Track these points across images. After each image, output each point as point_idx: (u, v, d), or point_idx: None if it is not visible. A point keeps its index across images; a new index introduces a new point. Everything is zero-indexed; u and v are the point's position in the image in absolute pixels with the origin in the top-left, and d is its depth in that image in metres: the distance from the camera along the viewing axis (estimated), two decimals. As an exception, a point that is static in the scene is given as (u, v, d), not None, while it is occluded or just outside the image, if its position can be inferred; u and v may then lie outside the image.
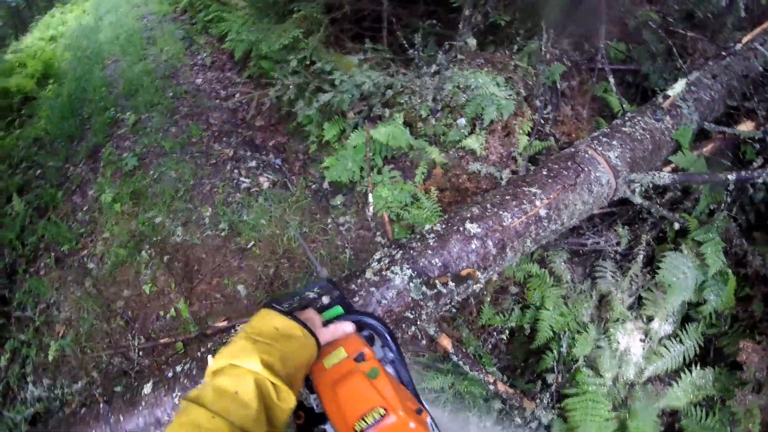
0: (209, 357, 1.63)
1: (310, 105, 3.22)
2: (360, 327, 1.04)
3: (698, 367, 2.20)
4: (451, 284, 1.47)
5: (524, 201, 1.75)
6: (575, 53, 3.33)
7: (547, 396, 2.33)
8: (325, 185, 3.39)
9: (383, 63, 3.31)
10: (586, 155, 1.98)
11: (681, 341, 2.27)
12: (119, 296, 3.13)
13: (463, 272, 1.49)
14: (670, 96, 2.31)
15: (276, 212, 3.28)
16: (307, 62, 3.40)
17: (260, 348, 0.83)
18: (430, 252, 1.58)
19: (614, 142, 2.11)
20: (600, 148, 2.05)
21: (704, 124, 2.62)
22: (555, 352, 2.33)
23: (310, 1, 3.47)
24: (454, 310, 2.63)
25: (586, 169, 1.93)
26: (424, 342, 2.54)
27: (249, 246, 3.14)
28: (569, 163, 1.94)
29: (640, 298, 2.41)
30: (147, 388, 1.78)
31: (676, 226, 2.39)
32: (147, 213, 3.47)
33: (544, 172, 1.89)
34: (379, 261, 1.61)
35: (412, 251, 1.59)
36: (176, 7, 5.66)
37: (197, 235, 3.27)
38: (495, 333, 2.53)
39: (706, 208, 2.49)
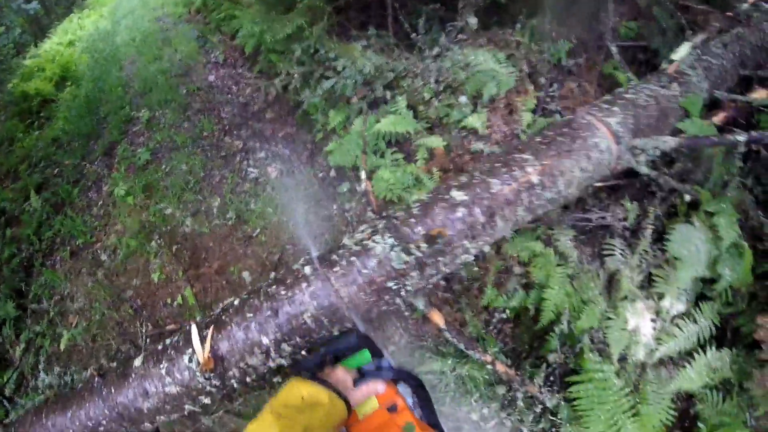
0: (192, 326, 1.64)
1: (314, 92, 3.23)
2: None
3: (714, 348, 2.05)
4: (423, 245, 1.42)
5: (515, 168, 1.69)
6: (583, 31, 3.22)
7: (550, 378, 2.24)
8: (332, 173, 3.38)
9: (387, 49, 3.29)
10: (584, 121, 1.90)
11: (695, 320, 2.11)
12: (129, 285, 3.20)
13: (433, 231, 1.44)
14: (674, 61, 2.20)
15: (282, 200, 3.30)
16: (312, 51, 3.41)
17: (282, 424, 0.85)
18: (413, 221, 1.54)
19: (615, 108, 2.02)
20: (600, 114, 1.97)
21: (715, 92, 2.49)
22: (558, 330, 2.23)
23: (314, -9, 3.48)
24: (454, 292, 2.58)
25: (583, 134, 1.85)
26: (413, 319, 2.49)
27: (255, 233, 3.17)
28: (565, 129, 1.86)
29: (650, 276, 2.30)
30: (137, 361, 1.80)
31: (687, 198, 2.25)
32: (158, 204, 3.55)
33: (538, 139, 1.82)
34: (362, 231, 1.58)
35: (395, 220, 1.56)
36: (191, 8, 5.78)
37: (206, 224, 3.32)
38: (497, 315, 2.45)
39: (719, 179, 2.33)
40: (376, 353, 1.07)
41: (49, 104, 5.25)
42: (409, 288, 1.54)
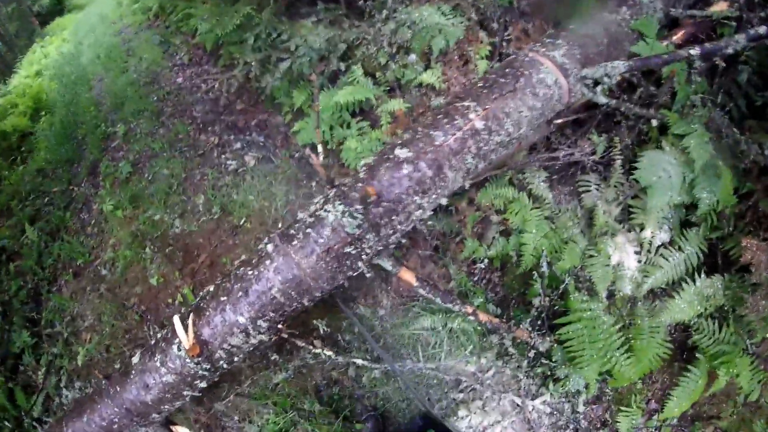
0: (175, 318, 1.71)
1: (274, 76, 3.23)
2: None
3: (704, 276, 2.04)
4: (358, 206, 1.45)
5: (456, 117, 1.70)
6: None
7: (538, 322, 2.27)
8: (307, 152, 3.41)
9: (338, 20, 3.25)
10: (526, 59, 1.90)
11: (680, 248, 2.10)
12: (132, 294, 3.31)
13: (360, 193, 1.47)
14: (616, -17, 2.16)
15: (263, 186, 3.35)
16: (265, 36, 3.39)
17: None
18: (360, 185, 1.57)
19: (559, 41, 2.01)
20: (543, 50, 1.96)
21: (671, 10, 2.43)
22: (538, 273, 2.25)
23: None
24: (436, 248, 2.63)
25: (526, 72, 1.85)
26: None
27: (241, 223, 3.24)
28: (507, 70, 1.86)
29: (629, 207, 2.28)
30: (135, 358, 1.89)
31: (655, 123, 2.18)
32: (146, 213, 3.62)
33: (480, 84, 1.83)
34: (315, 203, 1.62)
35: (343, 187, 1.59)
36: (149, 14, 5.73)
37: (193, 223, 3.39)
38: (480, 265, 2.50)
39: (686, 101, 2.23)
40: None
41: (28, 137, 5.29)
42: (368, 251, 1.58)
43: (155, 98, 4.59)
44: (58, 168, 4.56)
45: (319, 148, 2.05)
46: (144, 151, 4.13)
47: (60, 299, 3.53)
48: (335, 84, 3.06)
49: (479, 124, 1.69)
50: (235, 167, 3.62)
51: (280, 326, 1.62)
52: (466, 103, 1.72)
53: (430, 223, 2.50)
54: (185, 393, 1.83)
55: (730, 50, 1.95)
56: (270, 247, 1.62)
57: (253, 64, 3.35)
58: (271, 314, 1.61)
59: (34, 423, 2.97)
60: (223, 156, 3.77)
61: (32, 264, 3.79)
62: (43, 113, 5.53)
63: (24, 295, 3.63)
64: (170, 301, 3.12)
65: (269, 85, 3.36)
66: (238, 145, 3.79)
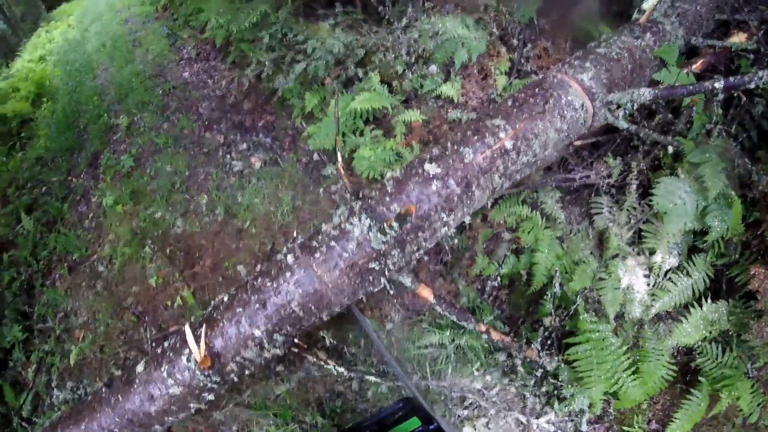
0: (186, 327, 1.66)
1: (287, 78, 3.19)
2: None
3: (709, 301, 2.07)
4: (395, 224, 1.42)
5: (487, 135, 1.67)
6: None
7: (547, 342, 2.26)
8: (315, 156, 3.37)
9: (356, 25, 3.23)
10: (555, 80, 1.88)
11: (688, 274, 2.13)
12: (129, 293, 3.22)
13: (401, 210, 1.44)
14: (645, 10, 2.16)
15: (269, 190, 3.29)
16: (280, 36, 3.35)
17: None
18: (387, 199, 1.54)
19: (587, 64, 1.99)
20: (571, 72, 1.94)
21: (692, 39, 2.45)
22: (551, 293, 2.24)
23: (275, -25, 3.40)
24: (446, 264, 2.60)
25: (555, 94, 1.83)
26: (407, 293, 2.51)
27: (245, 226, 3.17)
28: (536, 90, 1.84)
29: (640, 231, 2.29)
30: (140, 367, 1.83)
31: (671, 150, 2.20)
32: (147, 209, 3.54)
33: (509, 103, 1.80)
34: (339, 215, 1.58)
35: (370, 200, 1.56)
36: (157, 5, 5.66)
37: (196, 223, 3.32)
38: (490, 282, 2.48)
39: (701, 129, 2.28)
40: (425, 418, 1.04)
41: (28, 123, 5.17)
42: (391, 267, 1.55)
43: (160, 91, 4.52)
44: (58, 157, 4.45)
45: (339, 155, 2.01)
46: (147, 145, 4.05)
47: (54, 293, 3.43)
48: (349, 89, 3.03)
49: (509, 144, 1.67)
50: (241, 168, 3.56)
51: (295, 340, 1.57)
52: (496, 122, 1.70)
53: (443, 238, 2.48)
54: (191, 405, 1.77)
55: (752, 85, 1.96)
56: (290, 259, 1.57)
57: (266, 63, 3.31)
58: (288, 328, 1.57)
59: (23, 423, 2.87)
60: (228, 156, 3.70)
61: (26, 255, 3.68)
62: (45, 99, 5.41)
63: (17, 287, 3.51)
64: (169, 303, 3.04)
65: (281, 87, 3.32)
66: (244, 145, 3.74)
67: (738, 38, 2.50)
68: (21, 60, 6.97)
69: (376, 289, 1.60)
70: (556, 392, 2.38)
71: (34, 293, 3.57)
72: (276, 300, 1.55)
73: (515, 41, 2.76)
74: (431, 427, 0.99)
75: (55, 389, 2.97)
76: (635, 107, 2.16)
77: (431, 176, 1.56)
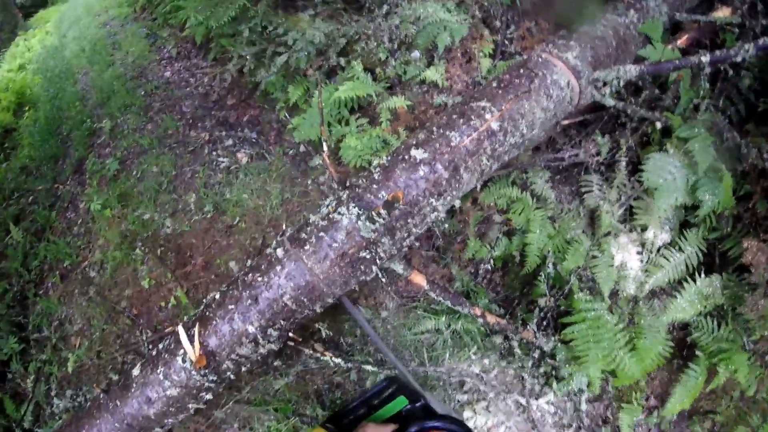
0: (179, 328, 1.64)
1: (269, 71, 3.15)
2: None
3: (703, 275, 2.08)
4: (383, 212, 1.41)
5: (473, 117, 1.66)
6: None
7: (543, 322, 2.27)
8: (302, 148, 3.34)
9: (336, 14, 3.18)
10: (540, 60, 1.86)
11: (681, 249, 2.14)
12: (122, 297, 3.20)
13: (389, 197, 1.42)
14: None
15: (256, 184, 3.26)
16: (260, 29, 3.29)
17: None
18: (375, 186, 1.52)
19: (571, 43, 1.98)
20: (555, 51, 1.92)
21: (676, 14, 2.44)
22: (544, 274, 2.25)
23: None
24: (438, 249, 2.60)
25: (540, 73, 1.81)
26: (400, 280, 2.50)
27: (235, 222, 3.15)
28: (521, 71, 1.82)
29: (631, 208, 2.29)
30: (136, 371, 1.81)
31: (659, 125, 2.21)
32: (135, 212, 3.50)
33: (494, 84, 1.79)
34: (327, 205, 1.56)
35: (357, 189, 1.54)
36: (135, 6, 5.56)
37: (185, 222, 3.29)
38: (483, 265, 2.47)
39: (689, 104, 2.29)
40: (412, 397, 1.01)
41: (11, 134, 5.11)
42: (382, 255, 1.53)
43: (143, 93, 4.46)
44: (43, 165, 4.41)
45: (325, 146, 1.98)
46: (132, 147, 4.00)
47: (47, 302, 3.40)
48: (332, 80, 3.00)
49: (495, 125, 1.66)
50: (227, 164, 3.52)
51: (290, 334, 1.56)
52: (481, 104, 1.68)
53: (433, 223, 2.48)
54: (190, 406, 1.76)
55: (738, 58, 1.95)
56: (280, 252, 1.56)
57: (247, 57, 3.26)
58: (282, 322, 1.55)
59: (25, 433, 2.86)
60: (214, 153, 3.66)
61: (17, 266, 3.64)
62: (27, 108, 5.34)
63: (10, 299, 3.48)
64: (163, 304, 3.02)
65: (264, 80, 3.28)
66: (230, 141, 3.70)
67: (722, 12, 2.49)
68: (0, 70, 6.86)
69: (368, 278, 1.58)
70: (554, 372, 2.39)
71: (27, 303, 3.54)
72: (268, 294, 1.53)
73: (498, 23, 2.73)
74: (418, 404, 0.97)
75: (55, 398, 2.96)
76: (621, 84, 2.16)
77: (418, 161, 1.54)
